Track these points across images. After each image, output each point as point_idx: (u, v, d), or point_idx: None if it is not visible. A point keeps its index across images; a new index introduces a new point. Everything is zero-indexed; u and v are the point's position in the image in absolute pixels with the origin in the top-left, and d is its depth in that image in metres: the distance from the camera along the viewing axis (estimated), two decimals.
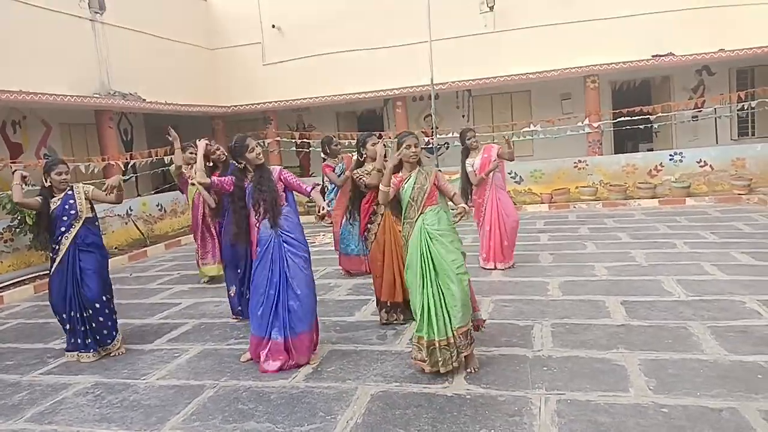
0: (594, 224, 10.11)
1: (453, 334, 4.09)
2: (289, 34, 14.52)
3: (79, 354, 5.15)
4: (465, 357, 4.18)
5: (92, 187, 5.33)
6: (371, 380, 4.16)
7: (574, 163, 12.94)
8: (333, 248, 8.08)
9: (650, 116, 13.14)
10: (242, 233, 4.62)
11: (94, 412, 4.04)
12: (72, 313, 5.12)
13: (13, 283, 8.52)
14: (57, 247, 5.12)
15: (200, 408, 3.95)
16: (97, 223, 5.32)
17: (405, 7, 13.08)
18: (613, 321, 5.00)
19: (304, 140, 15.20)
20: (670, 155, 12.56)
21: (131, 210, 11.87)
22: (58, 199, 5.12)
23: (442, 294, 4.13)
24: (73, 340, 5.17)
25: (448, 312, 4.12)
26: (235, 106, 15.06)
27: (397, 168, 4.37)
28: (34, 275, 8.96)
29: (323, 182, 7.95)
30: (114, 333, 5.25)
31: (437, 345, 4.07)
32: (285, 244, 4.49)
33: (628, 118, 12.69)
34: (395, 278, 5.38)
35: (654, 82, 14.72)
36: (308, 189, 4.62)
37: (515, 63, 12.86)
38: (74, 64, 10.80)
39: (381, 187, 4.37)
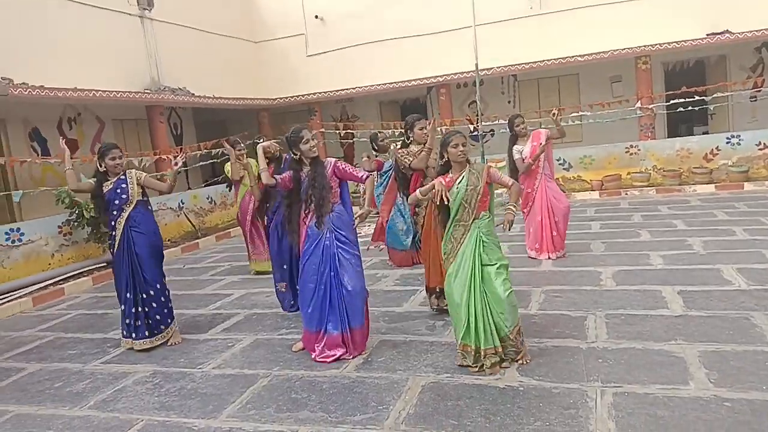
0: (647, 211, 9.81)
1: (507, 336, 4.05)
2: (331, 25, 14.55)
3: (134, 341, 5.27)
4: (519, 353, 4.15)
5: (145, 174, 5.45)
6: (422, 371, 4.15)
7: (626, 148, 12.56)
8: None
9: (705, 98, 12.62)
10: (294, 227, 4.64)
11: (154, 400, 4.17)
12: (128, 295, 5.26)
13: (73, 275, 8.87)
14: (114, 232, 5.28)
15: (255, 397, 4.02)
16: (149, 208, 5.45)
17: None
18: (670, 312, 4.85)
19: (348, 131, 15.24)
20: (727, 138, 12.03)
21: (183, 203, 12.17)
22: (111, 183, 5.27)
23: (488, 303, 4.07)
24: (128, 322, 5.28)
25: (494, 321, 4.05)
26: (280, 98, 15.21)
27: (445, 168, 4.26)
28: (92, 267, 9.31)
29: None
30: (168, 320, 5.38)
31: (484, 353, 4.04)
32: (336, 241, 4.51)
33: (682, 100, 12.23)
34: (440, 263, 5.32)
35: (709, 61, 14.13)
36: (362, 176, 4.61)
37: (562, 45, 12.55)
38: (125, 60, 11.10)
39: (418, 194, 4.27)
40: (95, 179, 5.35)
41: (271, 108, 15.67)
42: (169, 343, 5.36)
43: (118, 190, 5.25)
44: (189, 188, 14.09)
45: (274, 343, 5.07)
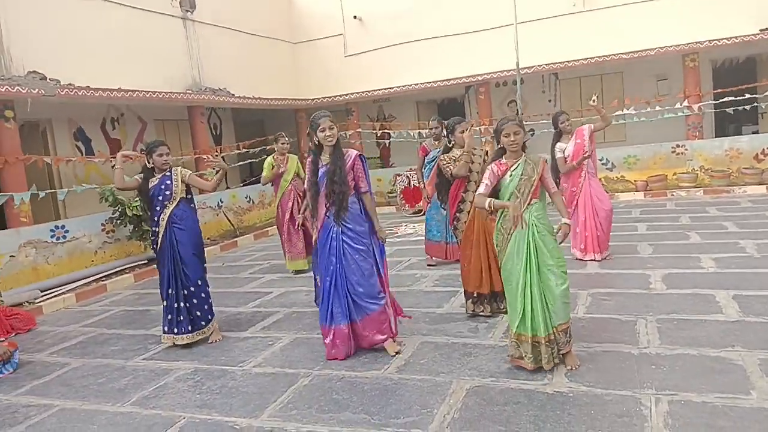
0: (695, 213, 9.47)
1: (553, 331, 3.91)
2: (369, 25, 14.51)
3: (174, 336, 5.29)
4: (564, 354, 3.99)
5: (190, 172, 5.48)
6: (466, 374, 4.04)
7: (672, 147, 12.17)
8: (420, 237, 7.96)
9: (756, 96, 12.14)
10: (319, 216, 4.59)
11: (195, 397, 4.16)
12: (170, 291, 5.29)
13: (115, 272, 9.01)
14: (156, 228, 5.31)
15: (296, 396, 3.97)
16: (192, 206, 5.47)
17: None
18: (726, 317, 4.62)
19: (385, 131, 15.18)
20: None
21: (221, 202, 12.29)
22: (156, 179, 5.32)
23: (543, 290, 3.93)
24: (170, 317, 5.30)
25: (548, 308, 3.92)
26: (318, 98, 15.23)
27: (499, 153, 4.12)
28: (134, 264, 9.45)
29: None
30: (209, 317, 5.39)
31: (542, 341, 3.90)
32: (342, 235, 4.47)
33: (731, 99, 11.79)
34: (483, 268, 5.19)
35: (761, 58, 13.58)
36: (364, 189, 4.52)
37: (606, 43, 12.22)
38: (168, 61, 11.26)
39: (476, 202, 4.14)
40: (142, 175, 5.40)
41: (309, 108, 15.69)
42: (210, 341, 5.37)
43: (163, 186, 5.29)
44: (228, 187, 14.22)
45: (314, 342, 5.02)
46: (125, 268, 9.24)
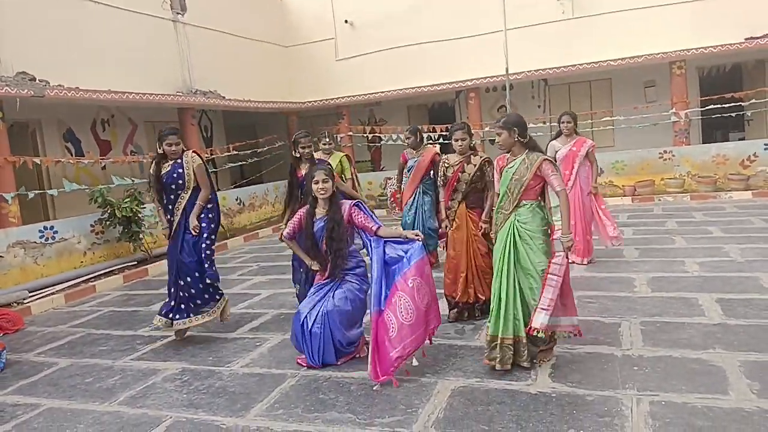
0: (682, 218, 9.59)
1: (525, 334, 3.95)
2: (361, 29, 14.59)
3: (169, 320, 5.28)
4: (540, 351, 4.11)
5: (200, 161, 5.37)
6: (451, 375, 4.08)
7: (660, 153, 12.30)
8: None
9: (742, 103, 12.30)
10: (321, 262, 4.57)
11: (182, 397, 4.18)
12: (173, 279, 5.32)
13: (104, 273, 9.00)
14: (171, 217, 5.32)
15: (283, 396, 4.00)
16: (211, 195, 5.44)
17: None
18: (708, 319, 4.70)
19: (376, 135, 15.24)
20: (765, 144, 11.68)
21: None
22: (169, 166, 5.30)
23: (519, 291, 3.98)
24: (172, 303, 5.32)
25: (521, 311, 3.97)
26: (309, 101, 15.28)
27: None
28: (123, 265, 9.44)
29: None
30: (211, 302, 5.40)
31: (500, 342, 3.96)
32: (337, 288, 4.45)
33: (718, 106, 11.93)
34: (468, 278, 5.22)
35: (746, 66, 13.76)
36: (375, 228, 4.30)
37: (595, 50, 12.35)
38: (158, 64, 11.27)
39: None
40: (154, 161, 5.40)
41: (300, 111, 15.75)
42: (221, 320, 5.48)
43: (175, 175, 5.26)
44: (218, 189, 14.20)
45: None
46: (114, 269, 9.22)
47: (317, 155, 7.55)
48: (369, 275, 4.36)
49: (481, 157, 5.34)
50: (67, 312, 7.32)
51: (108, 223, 9.37)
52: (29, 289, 7.96)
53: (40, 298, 7.76)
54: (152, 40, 11.19)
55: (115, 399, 4.27)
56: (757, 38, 11.40)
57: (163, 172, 5.30)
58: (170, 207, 5.31)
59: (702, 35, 11.70)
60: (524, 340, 3.97)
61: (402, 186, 7.52)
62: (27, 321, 6.94)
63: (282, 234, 4.77)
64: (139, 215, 9.49)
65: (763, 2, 11.28)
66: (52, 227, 8.78)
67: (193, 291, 5.32)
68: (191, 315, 5.33)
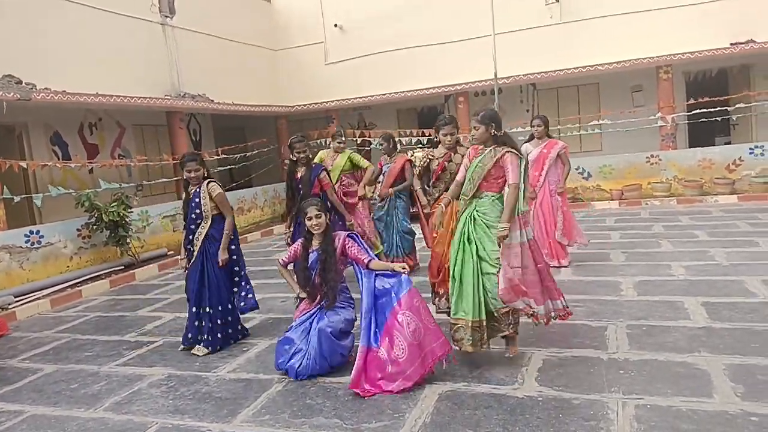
0: (668, 221, 9.66)
1: (487, 316, 4.09)
2: (350, 33, 14.61)
3: (197, 347, 5.19)
4: (504, 337, 4.23)
5: (220, 190, 5.26)
6: (438, 379, 4.08)
7: (647, 157, 12.40)
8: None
9: (728, 108, 12.44)
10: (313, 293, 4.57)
11: (168, 403, 4.15)
12: (194, 309, 5.23)
13: (91, 278, 8.93)
14: (191, 247, 5.26)
15: (269, 402, 3.99)
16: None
17: (467, 1, 12.95)
18: (693, 323, 4.74)
19: (365, 138, 15.25)
20: (750, 149, 11.82)
21: None
22: (190, 194, 5.27)
23: (479, 275, 4.10)
24: (189, 336, 5.24)
25: (485, 294, 4.09)
26: (298, 105, 15.27)
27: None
28: (109, 270, 9.37)
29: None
30: (231, 341, 5.28)
31: (471, 324, 4.08)
32: (325, 317, 4.45)
33: (704, 110, 12.07)
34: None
35: (732, 71, 13.92)
36: (367, 261, 4.33)
37: (583, 55, 12.45)
38: (146, 67, 11.21)
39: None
40: (183, 186, 5.39)
41: (290, 115, 15.74)
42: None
43: (193, 204, 5.22)
44: None
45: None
46: (101, 274, 9.16)
47: (329, 152, 7.65)
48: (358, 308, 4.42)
49: (467, 147, 5.34)
50: (52, 317, 7.26)
51: (95, 227, 9.29)
52: (15, 294, 7.88)
53: (25, 303, 7.69)
54: (141, 43, 11.14)
55: (101, 405, 4.24)
56: (742, 44, 11.55)
57: (187, 199, 5.29)
58: (190, 237, 5.27)
59: (688, 40, 11.81)
60: (484, 324, 4.10)
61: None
62: (12, 326, 6.87)
63: (279, 260, 4.80)
64: (126, 219, 9.43)
65: (747, 8, 11.42)
66: (38, 231, 8.70)
67: (211, 324, 5.16)
68: (209, 347, 5.15)
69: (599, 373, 3.93)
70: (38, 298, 7.88)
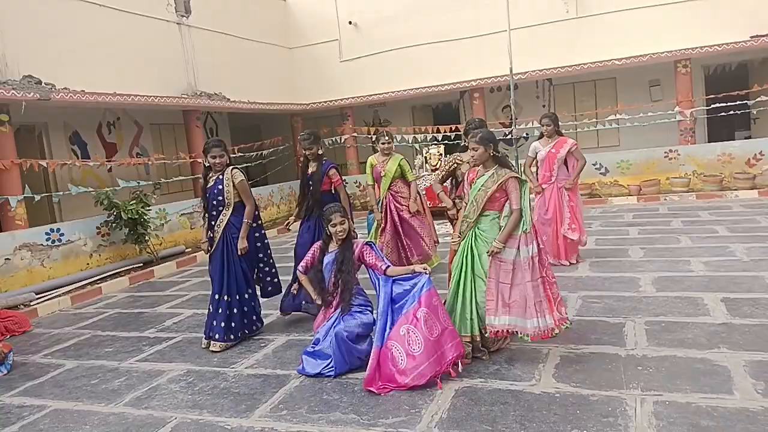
0: (687, 217, 9.55)
1: (480, 333, 4.24)
2: (365, 30, 14.61)
3: (212, 342, 5.22)
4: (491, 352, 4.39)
5: (242, 177, 5.30)
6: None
7: (665, 152, 12.26)
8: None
9: (748, 102, 12.25)
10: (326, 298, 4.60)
11: (187, 398, 4.20)
12: (216, 296, 5.26)
13: (111, 275, 9.04)
14: (212, 233, 5.30)
15: (287, 397, 4.02)
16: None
17: None
18: (713, 319, 4.69)
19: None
20: None
21: None
22: (212, 180, 5.30)
23: (474, 294, 4.24)
24: (213, 323, 5.24)
25: (476, 312, 4.23)
26: (313, 103, 15.31)
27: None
28: (129, 267, 9.48)
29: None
30: (246, 330, 5.31)
31: (468, 340, 4.26)
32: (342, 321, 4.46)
33: (724, 104, 11.89)
34: None
35: (752, 64, 13.69)
36: (384, 268, 4.35)
37: (599, 49, 12.33)
38: (163, 66, 11.31)
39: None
40: (203, 173, 5.42)
41: (305, 113, 15.79)
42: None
43: (216, 191, 5.24)
44: None
45: (305, 344, 5.02)
46: (120, 271, 9.26)
47: (378, 156, 7.27)
48: (375, 311, 4.45)
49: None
50: (73, 314, 7.36)
51: (114, 225, 9.41)
52: (36, 291, 8.00)
53: (46, 300, 7.81)
54: (157, 43, 11.23)
55: (121, 400, 4.30)
56: (763, 36, 11.33)
57: (208, 186, 5.30)
58: (212, 223, 5.29)
59: (707, 34, 11.64)
60: (478, 338, 4.27)
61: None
62: (34, 323, 6.98)
63: (297, 268, 4.83)
64: (145, 217, 9.53)
65: None
66: (58, 230, 8.82)
67: (236, 311, 5.22)
68: (224, 338, 5.17)
69: (617, 370, 3.91)
70: (59, 295, 8.00)
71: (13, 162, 8.43)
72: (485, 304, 4.16)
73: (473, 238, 4.31)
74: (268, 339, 5.37)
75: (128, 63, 10.45)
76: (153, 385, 4.52)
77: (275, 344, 5.21)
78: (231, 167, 5.31)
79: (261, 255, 5.52)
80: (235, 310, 5.23)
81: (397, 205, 7.11)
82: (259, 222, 5.57)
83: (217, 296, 5.25)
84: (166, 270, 9.51)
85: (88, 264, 9.16)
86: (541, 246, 4.21)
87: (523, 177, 4.39)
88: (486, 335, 4.25)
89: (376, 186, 7.34)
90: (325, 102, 15.18)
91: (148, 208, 9.64)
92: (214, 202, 5.24)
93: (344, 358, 4.31)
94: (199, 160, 12.05)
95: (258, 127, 17.19)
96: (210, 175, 5.34)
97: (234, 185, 5.22)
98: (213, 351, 5.16)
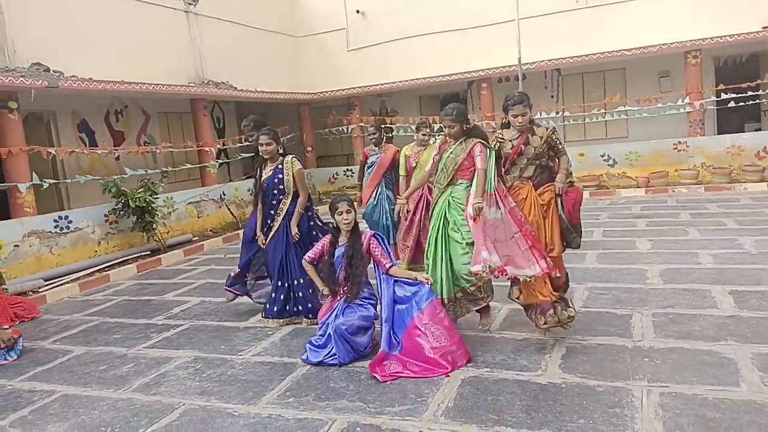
0: (696, 209, 9.50)
1: (455, 294, 4.52)
2: (372, 19, 14.54)
3: (276, 320, 5.35)
4: (479, 311, 4.61)
5: (300, 166, 5.33)
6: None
7: (674, 144, 12.19)
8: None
9: (759, 93, 12.13)
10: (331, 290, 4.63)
11: (195, 384, 4.23)
12: (279, 283, 5.32)
13: (118, 263, 9.09)
14: (270, 221, 5.33)
15: (294, 385, 4.04)
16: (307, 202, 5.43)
17: None
18: (720, 311, 4.68)
19: (387, 126, 15.21)
20: None
21: (224, 194, 12.37)
22: (270, 170, 5.29)
23: (450, 258, 4.48)
24: (275, 308, 5.34)
25: (452, 274, 4.48)
26: (320, 92, 15.28)
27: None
28: (137, 255, 9.53)
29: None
30: (309, 314, 5.34)
31: (445, 302, 4.48)
32: (347, 308, 4.50)
33: (734, 96, 11.79)
34: None
35: (764, 56, 13.57)
36: (388, 266, 4.41)
37: (609, 39, 12.23)
38: (170, 54, 11.31)
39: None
40: (254, 162, 5.41)
41: (312, 102, 15.77)
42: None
43: (276, 180, 5.25)
44: (230, 180, 14.31)
45: (312, 333, 5.02)
46: (128, 259, 9.32)
47: (413, 147, 6.85)
48: (379, 304, 4.48)
49: (546, 128, 4.70)
50: (81, 301, 7.41)
51: (122, 213, 9.46)
52: (44, 278, 8.06)
53: (55, 287, 7.86)
54: (165, 31, 11.23)
55: (129, 386, 4.33)
56: None
57: (264, 176, 5.30)
58: (271, 212, 5.31)
59: (718, 24, 11.53)
60: (459, 297, 4.53)
61: (363, 183, 7.35)
62: (42, 309, 7.04)
63: (304, 257, 4.82)
64: (153, 206, 9.57)
65: None
66: (66, 217, 8.88)
67: (300, 294, 5.30)
68: (293, 316, 5.35)
69: (624, 361, 3.91)
70: (67, 282, 8.06)
71: (21, 149, 8.46)
72: (466, 267, 4.34)
73: (447, 206, 4.55)
74: (275, 327, 5.39)
75: (136, 51, 10.46)
76: (161, 372, 4.55)
77: (282, 332, 5.23)
78: (291, 156, 5.36)
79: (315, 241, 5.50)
80: (310, 291, 5.27)
81: (430, 198, 6.91)
82: (312, 210, 5.56)
83: (281, 282, 5.32)
84: (174, 258, 9.56)
85: (96, 251, 9.21)
86: (512, 205, 4.37)
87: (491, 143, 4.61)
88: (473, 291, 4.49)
89: (407, 177, 6.84)
90: (332, 91, 15.15)
91: (155, 197, 9.67)
92: (275, 191, 5.25)
93: (345, 351, 4.33)
94: (207, 148, 12.10)
95: (265, 116, 17.08)
96: (266, 166, 5.33)
97: (293, 174, 5.25)
98: (299, 324, 5.31)
